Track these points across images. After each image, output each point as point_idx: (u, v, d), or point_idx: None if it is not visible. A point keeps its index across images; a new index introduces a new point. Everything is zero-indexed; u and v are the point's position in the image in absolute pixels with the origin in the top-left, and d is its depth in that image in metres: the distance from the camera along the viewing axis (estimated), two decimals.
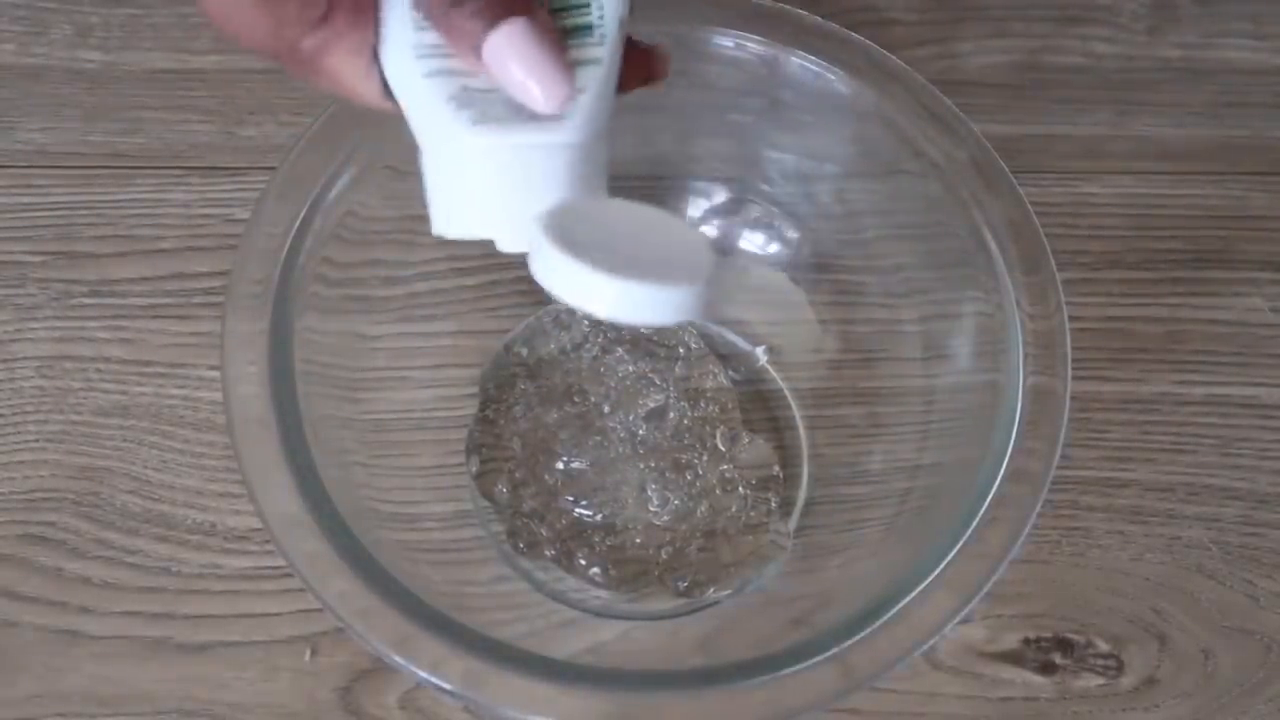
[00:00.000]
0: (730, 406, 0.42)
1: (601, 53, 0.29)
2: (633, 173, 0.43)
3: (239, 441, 0.32)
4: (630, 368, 0.42)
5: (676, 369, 0.42)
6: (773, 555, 0.40)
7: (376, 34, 0.28)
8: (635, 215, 0.29)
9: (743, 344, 0.44)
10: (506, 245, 0.30)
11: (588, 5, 0.29)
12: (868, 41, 0.39)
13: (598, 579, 0.39)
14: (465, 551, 0.40)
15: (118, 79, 0.49)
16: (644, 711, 0.30)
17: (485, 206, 0.29)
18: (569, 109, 0.28)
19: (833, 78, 0.38)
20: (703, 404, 0.42)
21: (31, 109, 0.49)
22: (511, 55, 0.27)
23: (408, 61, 0.28)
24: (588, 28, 0.29)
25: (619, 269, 0.26)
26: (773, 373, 0.44)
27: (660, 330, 0.43)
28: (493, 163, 0.29)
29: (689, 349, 0.43)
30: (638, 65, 0.30)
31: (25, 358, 0.44)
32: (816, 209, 0.43)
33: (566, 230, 0.27)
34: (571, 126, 0.28)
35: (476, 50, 0.27)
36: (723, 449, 0.41)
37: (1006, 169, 0.37)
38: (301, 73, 0.29)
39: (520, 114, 0.28)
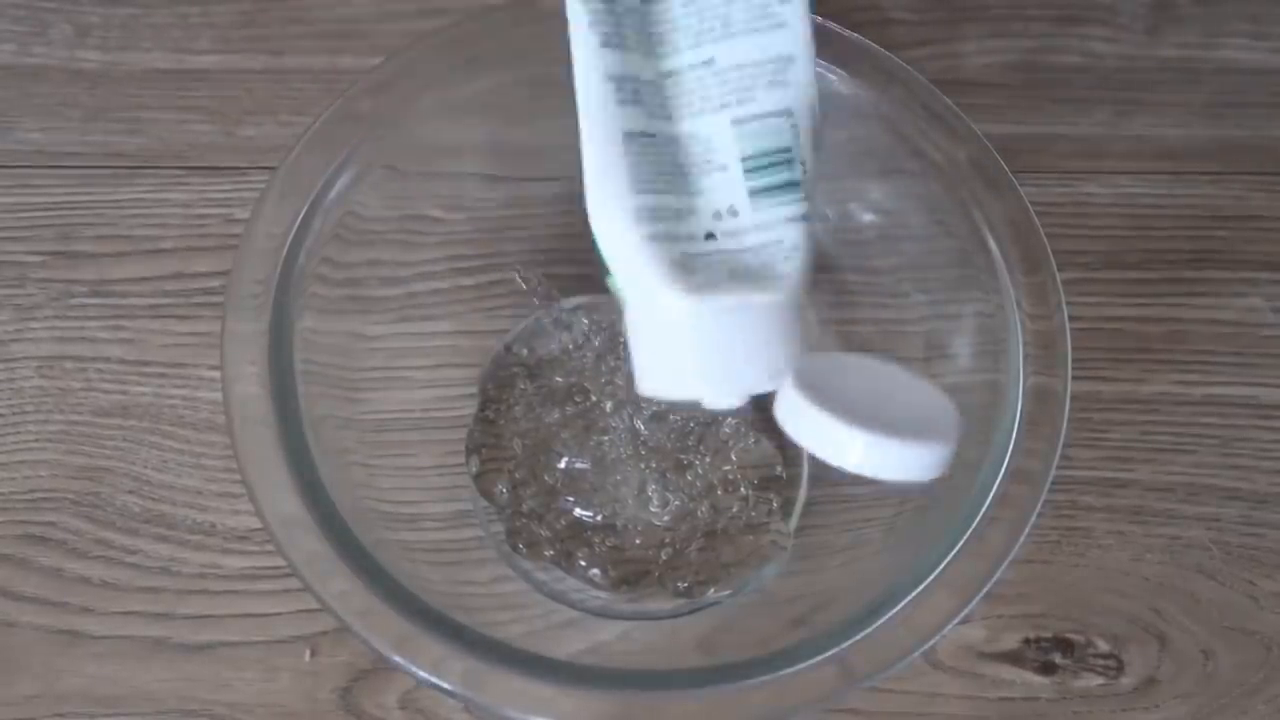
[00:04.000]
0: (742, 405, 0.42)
1: (806, 208, 0.28)
2: None
3: (239, 441, 0.32)
4: (633, 367, 0.42)
5: None
6: (773, 555, 0.40)
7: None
8: (879, 371, 0.29)
9: None
10: (719, 403, 0.29)
11: (790, 160, 0.28)
12: (868, 41, 0.39)
13: (597, 580, 0.39)
14: (465, 551, 0.40)
15: (118, 79, 0.49)
16: (644, 711, 0.30)
17: (701, 367, 0.29)
18: (785, 269, 0.28)
19: (833, 78, 0.38)
20: None
21: (31, 109, 0.49)
22: None
23: (627, 224, 0.28)
24: (795, 185, 0.28)
25: (869, 423, 0.26)
26: None
27: None
28: (710, 326, 0.28)
29: None
30: None
31: (25, 358, 0.44)
32: (816, 209, 0.43)
33: (815, 383, 0.27)
34: (789, 285, 0.28)
35: None
36: (727, 448, 0.41)
37: (1006, 169, 0.37)
38: None
39: (739, 277, 0.28)
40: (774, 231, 0.29)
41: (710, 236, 0.29)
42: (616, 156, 0.28)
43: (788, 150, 0.28)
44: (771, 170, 0.28)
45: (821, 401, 0.26)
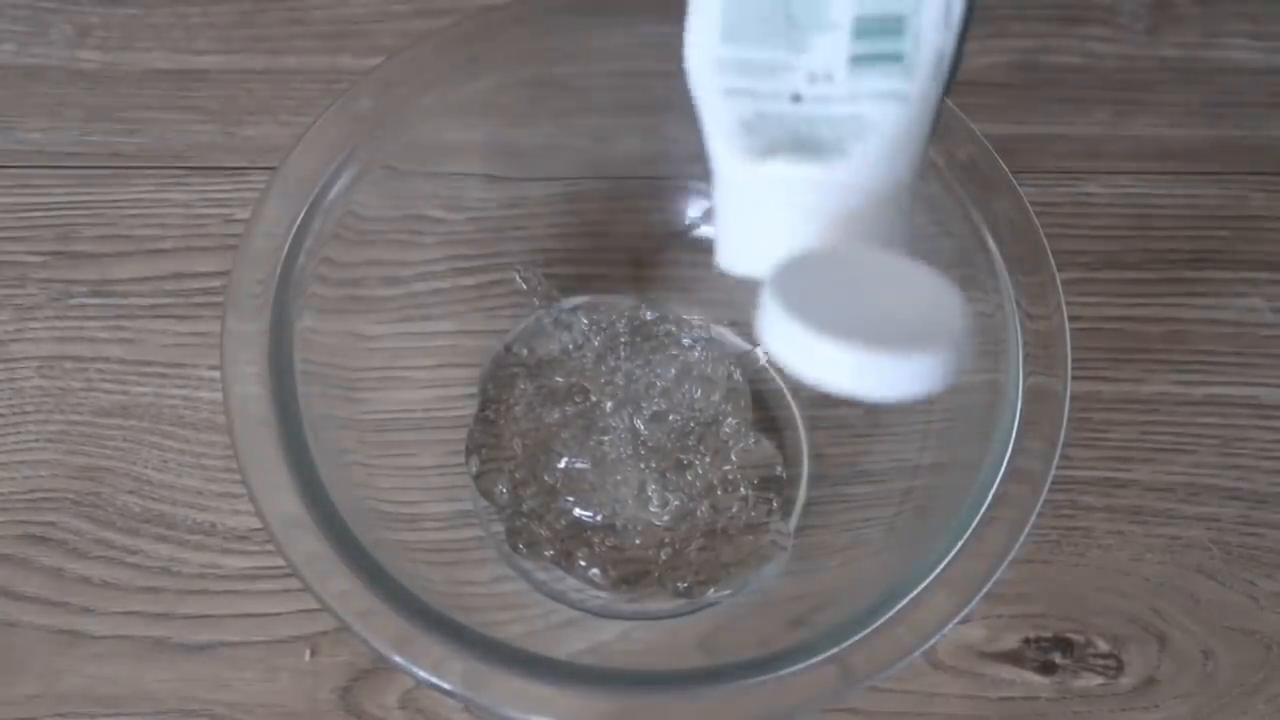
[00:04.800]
0: (744, 405, 0.42)
1: (907, 88, 0.26)
2: (633, 173, 0.44)
3: (239, 441, 0.32)
4: (634, 367, 0.42)
5: (692, 367, 0.42)
6: (773, 555, 0.40)
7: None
8: (880, 268, 0.25)
9: (743, 344, 0.44)
10: (738, 271, 0.28)
11: (900, 31, 0.26)
12: None
13: (597, 580, 0.39)
14: (465, 551, 0.40)
15: (118, 79, 0.49)
16: (644, 711, 0.30)
17: (768, 242, 0.26)
18: (853, 146, 0.26)
19: None
20: (713, 402, 0.42)
21: (31, 109, 0.49)
22: None
23: (709, 74, 0.27)
24: (896, 57, 0.26)
25: (854, 336, 0.23)
26: (773, 373, 0.44)
27: (667, 330, 0.43)
28: (775, 197, 0.26)
29: (704, 345, 0.43)
30: None
31: (25, 358, 0.44)
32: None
33: (797, 289, 0.24)
34: (854, 166, 0.26)
35: None
36: (728, 449, 0.41)
37: (1006, 169, 0.37)
38: None
39: (802, 147, 0.26)
40: (859, 105, 0.26)
41: (797, 99, 0.27)
42: (715, 3, 0.27)
43: (900, 20, 0.25)
44: (879, 38, 0.26)
45: (803, 313, 0.23)
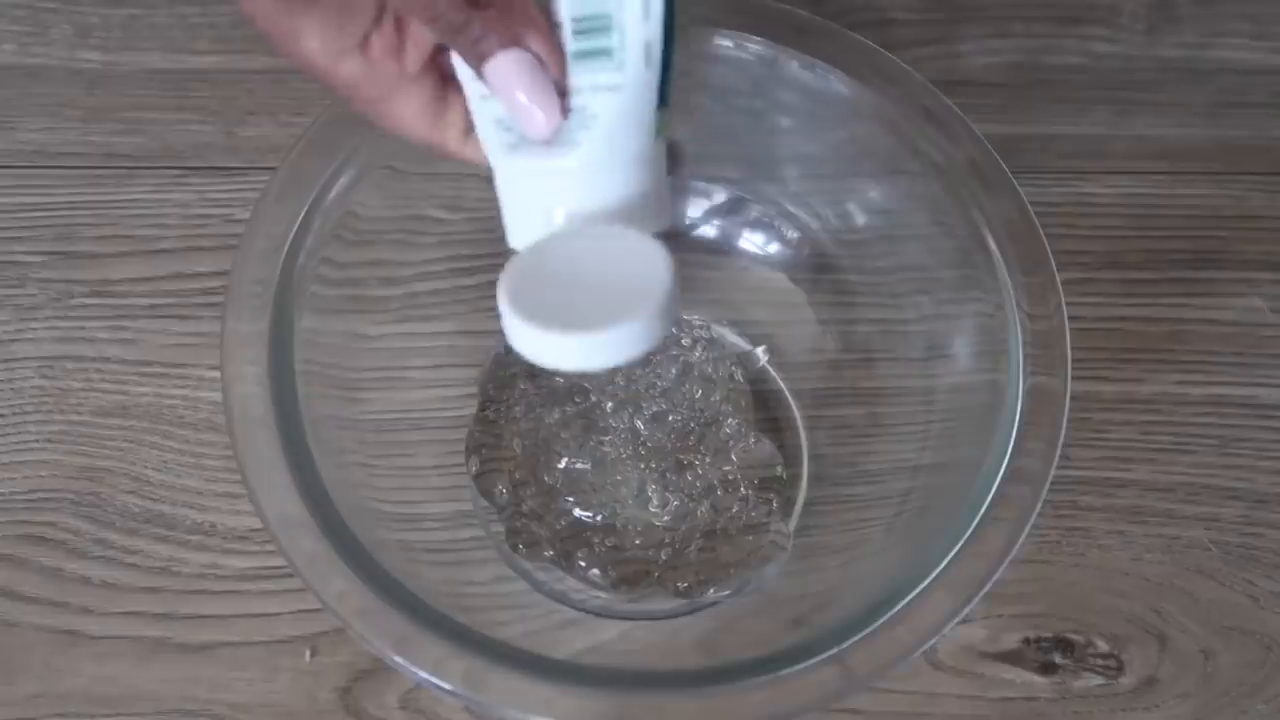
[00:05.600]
0: (744, 405, 0.42)
1: (620, 79, 0.29)
2: None
3: (239, 441, 0.32)
4: (634, 367, 0.42)
5: (693, 367, 0.42)
6: (773, 555, 0.40)
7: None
8: (595, 247, 0.29)
9: (743, 344, 0.44)
10: (517, 246, 0.31)
11: (607, 28, 0.29)
12: (868, 41, 0.39)
13: (597, 580, 0.39)
14: (465, 551, 0.40)
15: (118, 79, 0.49)
16: (644, 711, 0.30)
17: (537, 219, 0.30)
18: (580, 137, 0.29)
19: (833, 78, 0.38)
20: (713, 402, 0.42)
21: (31, 109, 0.49)
22: (511, 81, 0.28)
23: (471, 80, 0.29)
24: (606, 52, 0.29)
25: (576, 321, 0.27)
26: (773, 373, 0.44)
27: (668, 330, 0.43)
28: (532, 183, 0.30)
29: (705, 345, 0.43)
30: None
31: (25, 358, 0.44)
32: (816, 209, 0.43)
33: (525, 287, 0.28)
34: (579, 154, 0.29)
35: (479, 66, 0.28)
36: (728, 449, 0.41)
37: (1006, 169, 0.37)
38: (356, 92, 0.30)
39: (546, 141, 0.29)
40: (582, 98, 0.29)
41: None
42: None
43: (608, 18, 0.28)
44: (591, 35, 0.29)
45: (531, 312, 0.27)
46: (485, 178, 0.31)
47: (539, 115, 0.29)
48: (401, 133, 0.30)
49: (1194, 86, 0.51)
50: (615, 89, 0.29)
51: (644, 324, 0.27)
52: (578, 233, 0.30)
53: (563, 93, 0.29)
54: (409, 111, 0.30)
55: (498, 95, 0.29)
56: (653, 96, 0.29)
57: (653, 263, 0.28)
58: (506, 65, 0.28)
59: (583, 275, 0.28)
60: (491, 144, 0.30)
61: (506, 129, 0.30)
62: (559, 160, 0.29)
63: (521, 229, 0.31)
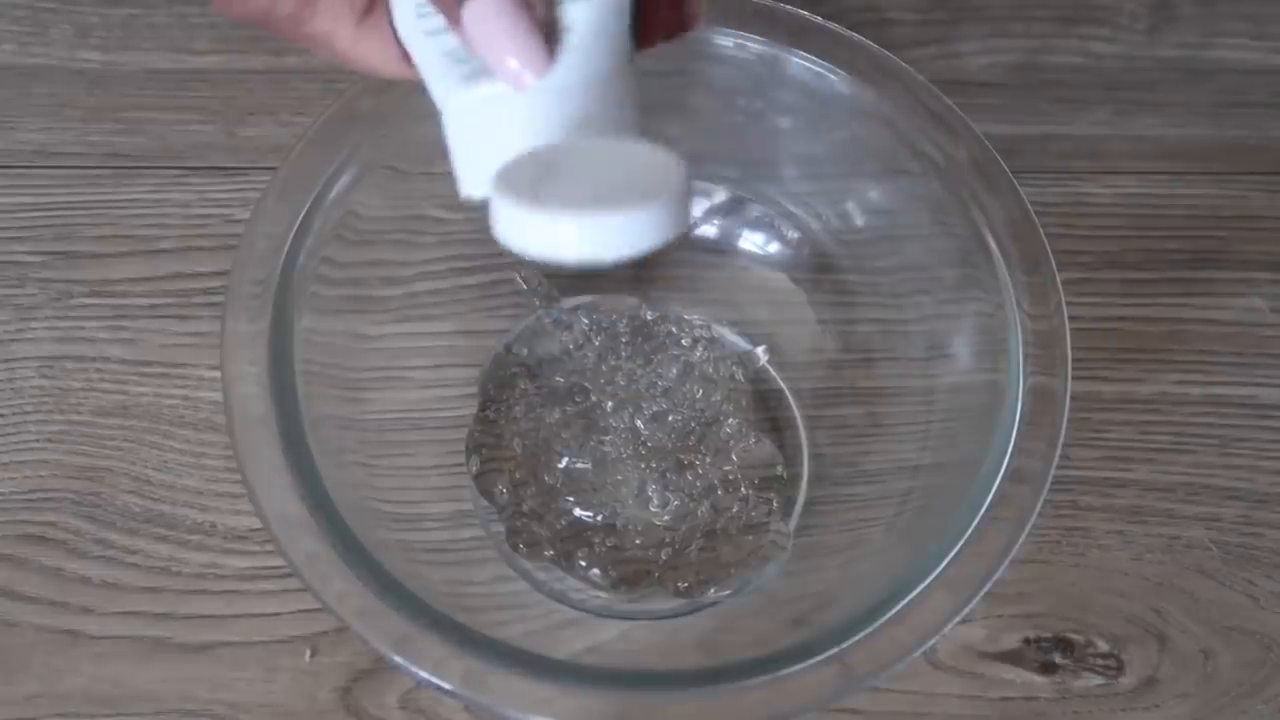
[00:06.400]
0: (745, 405, 0.42)
1: None
2: None
3: (239, 441, 0.32)
4: (634, 367, 0.42)
5: (694, 367, 0.42)
6: (773, 555, 0.40)
7: None
8: (598, 150, 0.26)
9: (743, 344, 0.44)
10: (473, 194, 0.28)
11: None
12: (868, 41, 0.39)
13: (597, 580, 0.39)
14: (465, 551, 0.40)
15: (118, 79, 0.49)
16: (644, 711, 0.30)
17: (500, 159, 0.27)
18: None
19: (833, 78, 0.38)
20: (714, 402, 0.42)
21: (31, 109, 0.49)
22: (490, 26, 0.26)
23: (410, 19, 0.28)
24: None
25: (575, 206, 0.24)
26: (773, 373, 0.44)
27: (668, 330, 0.43)
28: (491, 116, 0.27)
29: (705, 345, 0.43)
30: (664, 16, 0.28)
31: (25, 358, 0.44)
32: (816, 208, 0.43)
33: (520, 180, 0.25)
34: (556, 69, 0.26)
35: (457, 17, 0.26)
36: (728, 449, 0.41)
37: (1006, 169, 0.37)
38: (295, 33, 0.28)
39: None
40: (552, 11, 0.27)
41: None
42: None
43: None
44: None
45: (524, 197, 0.24)
46: None
47: (530, 66, 0.26)
48: (323, 49, 0.28)
49: (1194, 86, 0.51)
50: (584, 1, 0.27)
51: (656, 212, 0.24)
52: (575, 143, 0.27)
53: (551, 33, 0.26)
54: (329, 23, 0.28)
55: (474, 46, 0.26)
56: (625, 8, 0.27)
57: (661, 161, 0.25)
58: (489, 9, 0.25)
59: (586, 168, 0.26)
60: (440, 79, 0.28)
61: (461, 60, 0.27)
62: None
63: (480, 171, 0.28)
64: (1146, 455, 0.44)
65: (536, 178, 0.25)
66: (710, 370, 0.42)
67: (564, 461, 0.41)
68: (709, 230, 0.44)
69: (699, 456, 0.41)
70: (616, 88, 0.28)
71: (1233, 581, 0.42)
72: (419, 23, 0.28)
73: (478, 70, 0.27)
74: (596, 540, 0.40)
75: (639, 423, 0.41)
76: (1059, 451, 0.33)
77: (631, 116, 0.29)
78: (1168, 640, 0.41)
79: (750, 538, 0.40)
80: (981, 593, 0.31)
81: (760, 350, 0.44)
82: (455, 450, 0.41)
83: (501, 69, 0.26)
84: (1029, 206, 0.36)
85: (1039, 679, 0.41)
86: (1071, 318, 0.35)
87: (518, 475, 0.41)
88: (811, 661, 0.30)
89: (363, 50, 0.29)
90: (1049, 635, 0.41)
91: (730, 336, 0.44)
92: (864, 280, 0.42)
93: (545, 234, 0.24)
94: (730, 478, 0.41)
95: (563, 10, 0.27)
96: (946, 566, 0.31)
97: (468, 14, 0.26)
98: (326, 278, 0.37)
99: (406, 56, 0.28)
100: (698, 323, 0.43)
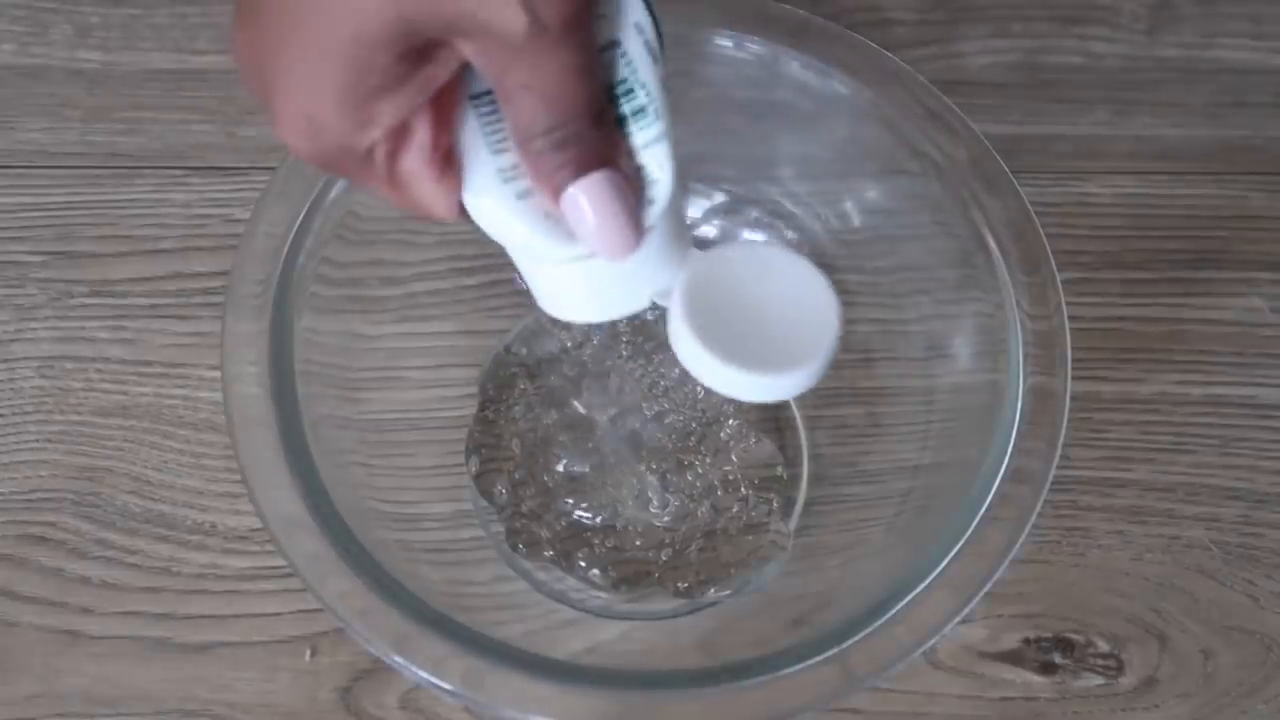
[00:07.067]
0: (745, 405, 0.42)
1: (663, 127, 0.28)
2: None
3: (239, 441, 0.32)
4: (634, 368, 0.42)
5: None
6: (773, 555, 0.40)
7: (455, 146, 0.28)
8: (761, 269, 0.30)
9: None
10: (605, 317, 0.31)
11: (631, 90, 0.28)
12: (868, 41, 0.39)
13: (597, 580, 0.39)
14: (465, 551, 0.40)
15: (118, 79, 0.49)
16: (644, 711, 0.30)
17: (585, 302, 0.30)
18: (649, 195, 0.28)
19: (833, 78, 0.38)
20: (714, 402, 0.42)
21: (31, 109, 0.49)
22: (590, 206, 0.27)
23: (494, 184, 0.28)
24: (642, 111, 0.28)
25: (748, 356, 0.28)
26: None
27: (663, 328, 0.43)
28: (584, 271, 0.29)
29: None
30: None
31: (25, 358, 0.44)
32: (816, 209, 0.43)
33: (699, 309, 0.29)
34: (659, 210, 0.28)
35: (557, 193, 0.27)
36: (728, 449, 0.41)
37: (1006, 169, 0.37)
38: (366, 178, 0.28)
39: None
40: (639, 158, 0.28)
41: None
42: (469, 119, 0.28)
43: (624, 81, 0.27)
44: (627, 97, 0.27)
45: (702, 331, 0.28)
46: None
47: (627, 239, 0.27)
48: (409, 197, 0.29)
49: (1194, 86, 0.51)
50: (662, 139, 0.28)
51: (813, 370, 0.29)
52: (742, 252, 0.30)
53: (639, 223, 0.28)
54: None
55: (577, 218, 0.27)
56: (672, 130, 0.28)
57: (820, 301, 0.29)
58: (597, 188, 0.26)
59: (750, 302, 0.29)
60: (547, 246, 0.28)
61: (558, 222, 0.28)
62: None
63: (558, 307, 0.30)
64: (1146, 455, 0.44)
65: (715, 308, 0.29)
66: None
67: (563, 462, 0.41)
68: (709, 230, 0.44)
69: (699, 457, 0.41)
70: (680, 208, 0.30)
71: (1233, 581, 0.42)
72: (505, 187, 0.28)
73: (564, 232, 0.28)
74: (596, 541, 0.40)
75: (639, 423, 0.41)
76: (1059, 451, 0.33)
77: (685, 227, 0.30)
78: (1168, 640, 0.41)
79: (750, 538, 0.40)
80: (981, 593, 0.31)
81: None
82: (455, 450, 0.41)
83: (602, 246, 0.27)
84: (1029, 206, 0.36)
85: (1039, 679, 0.41)
86: (1071, 318, 0.35)
87: (517, 475, 0.41)
88: (811, 662, 0.30)
89: (430, 191, 0.29)
90: (1049, 635, 0.41)
91: None
92: (863, 280, 0.42)
93: (716, 374, 0.28)
94: (730, 478, 0.41)
95: (648, 157, 0.28)
96: (946, 566, 0.31)
97: (573, 191, 0.26)
98: (326, 277, 0.37)
99: (463, 208, 0.29)
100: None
